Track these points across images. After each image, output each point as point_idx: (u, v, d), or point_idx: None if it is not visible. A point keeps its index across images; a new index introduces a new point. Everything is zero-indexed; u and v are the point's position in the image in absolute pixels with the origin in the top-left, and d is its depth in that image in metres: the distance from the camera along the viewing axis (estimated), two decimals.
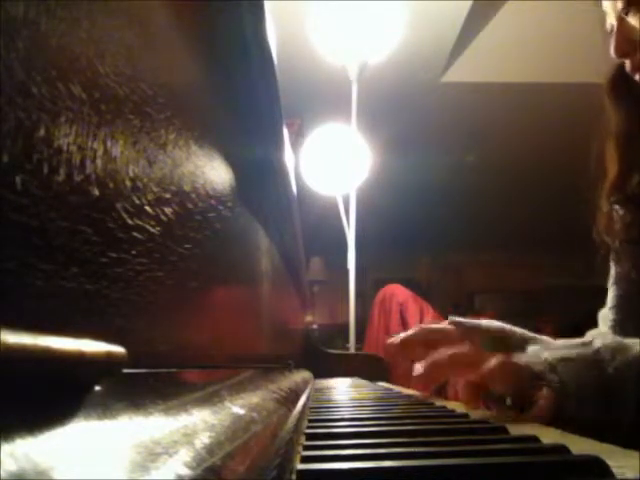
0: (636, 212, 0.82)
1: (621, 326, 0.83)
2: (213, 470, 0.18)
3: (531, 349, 0.63)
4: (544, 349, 0.62)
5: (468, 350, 0.68)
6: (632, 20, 0.77)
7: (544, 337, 0.86)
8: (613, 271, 0.88)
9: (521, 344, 0.83)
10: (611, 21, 0.80)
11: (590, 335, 0.90)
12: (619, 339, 0.61)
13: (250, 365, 0.50)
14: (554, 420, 0.52)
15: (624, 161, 0.85)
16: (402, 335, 0.83)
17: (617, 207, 0.85)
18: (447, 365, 0.66)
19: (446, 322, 0.92)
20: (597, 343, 0.60)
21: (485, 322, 0.92)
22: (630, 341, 0.60)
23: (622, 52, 0.79)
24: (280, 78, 0.48)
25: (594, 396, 0.54)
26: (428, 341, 0.83)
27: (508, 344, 0.79)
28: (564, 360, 0.58)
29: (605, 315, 0.95)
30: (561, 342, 0.68)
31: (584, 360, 0.57)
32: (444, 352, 0.68)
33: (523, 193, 4.42)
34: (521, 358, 0.61)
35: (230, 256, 0.43)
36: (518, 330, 0.86)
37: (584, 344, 0.62)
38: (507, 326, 0.89)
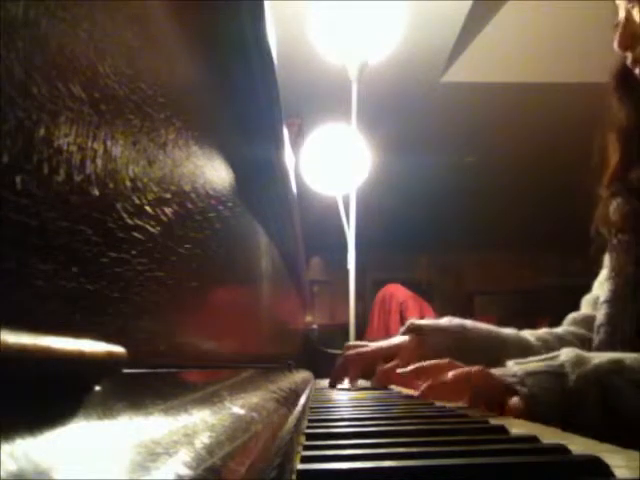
0: (635, 202, 0.85)
1: (614, 320, 0.85)
2: (213, 470, 0.18)
3: (508, 363, 0.71)
4: (515, 364, 0.70)
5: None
6: (636, 15, 0.78)
7: (508, 330, 1.00)
8: (608, 265, 0.90)
9: (479, 343, 0.96)
10: (621, 16, 0.82)
11: (570, 319, 1.03)
12: (580, 352, 0.68)
13: (250, 365, 0.50)
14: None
15: (626, 153, 0.87)
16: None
17: (617, 198, 0.87)
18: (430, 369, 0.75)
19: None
20: (562, 357, 0.67)
21: (444, 321, 0.97)
22: (589, 354, 0.68)
23: (624, 45, 0.81)
24: (280, 78, 0.48)
25: (559, 405, 0.62)
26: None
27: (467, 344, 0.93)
28: (531, 374, 0.66)
29: (588, 300, 1.03)
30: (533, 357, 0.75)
31: (550, 373, 0.65)
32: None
33: (523, 193, 4.42)
34: (496, 372, 0.69)
35: (230, 256, 0.43)
36: (482, 326, 0.94)
37: (552, 358, 0.69)
38: (468, 322, 0.96)
